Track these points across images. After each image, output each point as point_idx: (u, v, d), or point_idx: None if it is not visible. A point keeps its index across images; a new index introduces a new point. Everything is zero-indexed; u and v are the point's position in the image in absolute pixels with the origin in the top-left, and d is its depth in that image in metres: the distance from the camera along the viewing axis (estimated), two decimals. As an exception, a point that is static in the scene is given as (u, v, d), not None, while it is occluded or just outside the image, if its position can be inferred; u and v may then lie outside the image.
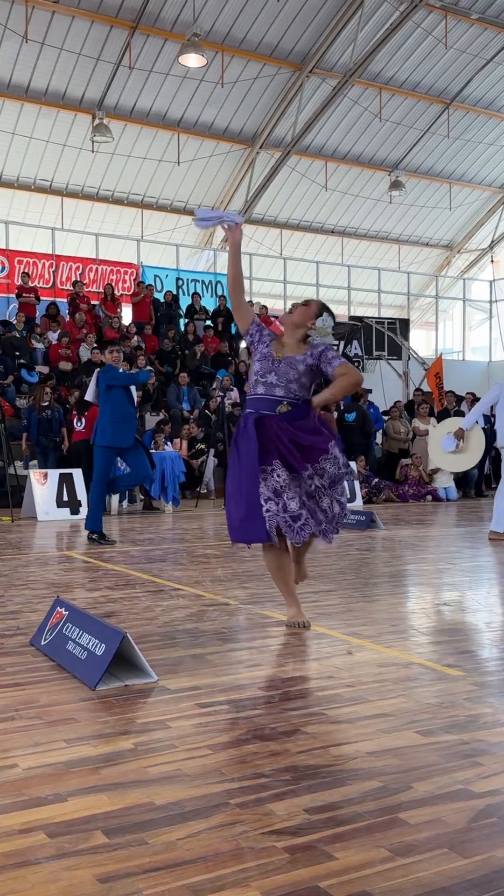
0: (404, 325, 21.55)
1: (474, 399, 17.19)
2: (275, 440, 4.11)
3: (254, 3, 17.00)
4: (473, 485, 14.86)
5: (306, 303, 4.48)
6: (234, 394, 14.71)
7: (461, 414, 16.38)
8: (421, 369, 19.78)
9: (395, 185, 21.51)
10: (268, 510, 4.02)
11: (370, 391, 16.77)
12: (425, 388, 18.34)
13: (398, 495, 13.62)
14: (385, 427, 15.81)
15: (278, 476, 4.06)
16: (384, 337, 20.50)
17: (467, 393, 17.64)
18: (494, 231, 24.65)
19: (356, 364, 20.00)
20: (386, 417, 16.10)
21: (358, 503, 12.12)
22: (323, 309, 4.42)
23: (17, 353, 14.31)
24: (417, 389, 18.43)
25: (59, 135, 18.41)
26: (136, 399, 9.05)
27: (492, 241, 24.85)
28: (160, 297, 17.62)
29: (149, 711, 2.90)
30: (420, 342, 23.51)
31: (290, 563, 4.37)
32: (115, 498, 11.21)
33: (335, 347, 4.78)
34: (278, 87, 19.15)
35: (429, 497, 13.77)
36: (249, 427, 4.13)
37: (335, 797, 2.19)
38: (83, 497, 10.65)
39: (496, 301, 24.62)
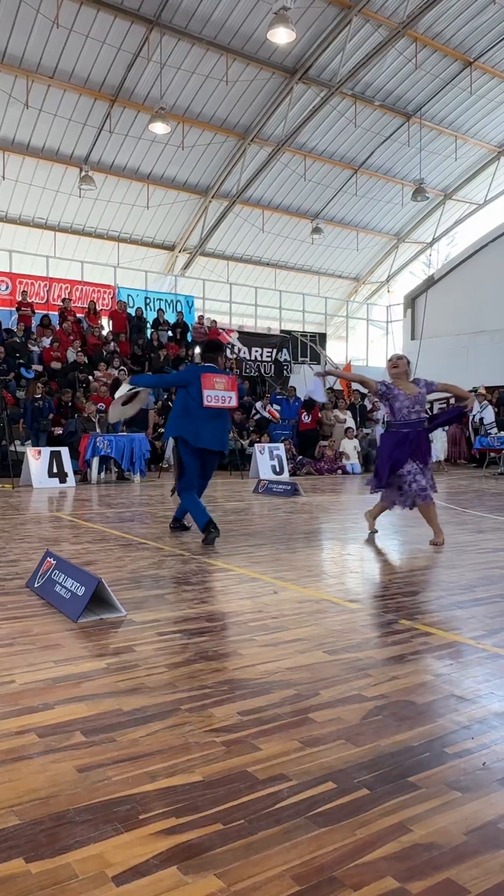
0: (322, 338, 21.68)
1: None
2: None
3: (208, 86, 16.78)
4: (372, 460, 15.04)
5: (401, 358, 5.57)
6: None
7: (365, 408, 16.61)
8: (334, 373, 19.90)
9: (316, 230, 21.52)
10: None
11: (295, 388, 16.82)
12: (337, 387, 18.50)
13: (316, 469, 13.71)
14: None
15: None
16: (307, 347, 20.62)
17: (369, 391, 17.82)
18: (390, 268, 24.89)
19: (285, 367, 20.10)
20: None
21: (285, 476, 12.19)
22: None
23: (18, 355, 13.98)
24: (330, 388, 18.55)
25: (54, 183, 17.96)
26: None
27: (388, 276, 25.10)
28: (132, 311, 17.39)
29: (119, 638, 2.90)
30: (334, 351, 23.63)
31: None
32: (94, 468, 11.05)
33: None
34: (226, 152, 18.95)
35: (339, 471, 13.91)
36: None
37: (261, 702, 2.22)
38: (69, 469, 10.50)
39: (391, 321, 24.91)
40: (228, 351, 18.72)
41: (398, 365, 5.47)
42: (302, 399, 15.01)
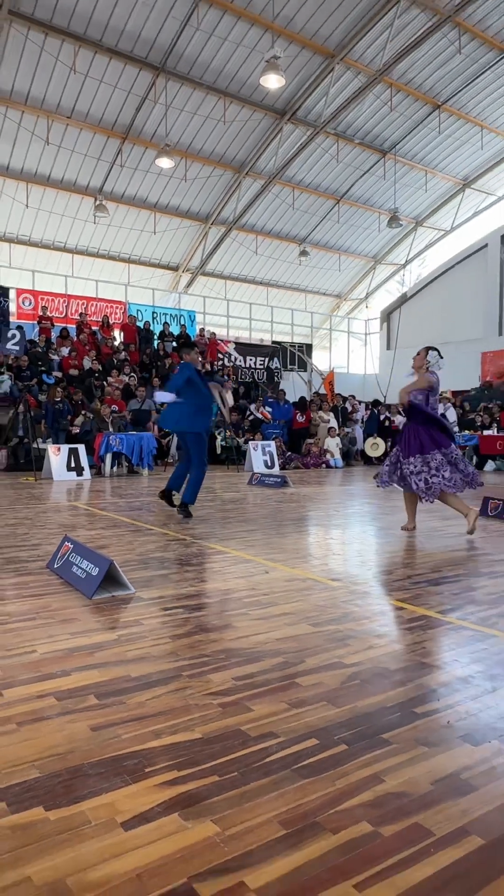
0: (309, 348, 21.65)
1: (354, 399, 17.41)
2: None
3: (208, 125, 16.71)
4: (353, 456, 15.07)
5: (419, 352, 5.15)
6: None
7: (346, 409, 16.60)
8: (319, 378, 19.94)
9: (303, 252, 21.45)
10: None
11: (285, 392, 16.82)
12: (322, 391, 18.49)
13: (303, 464, 13.71)
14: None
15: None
16: (295, 356, 20.60)
17: (349, 395, 17.87)
18: (368, 286, 24.85)
19: (276, 373, 20.07)
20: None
21: (276, 469, 12.19)
22: (429, 349, 5.11)
23: (40, 363, 13.92)
24: (316, 392, 18.56)
25: (71, 210, 17.86)
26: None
27: (366, 294, 25.07)
28: (140, 325, 17.33)
29: (128, 613, 2.90)
30: (319, 360, 23.58)
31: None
32: (107, 463, 11.02)
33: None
34: (224, 184, 18.88)
35: (324, 465, 13.92)
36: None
37: (253, 669, 2.23)
38: (85, 464, 10.46)
39: (369, 334, 24.91)
40: (226, 359, 18.70)
41: (413, 360, 5.17)
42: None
